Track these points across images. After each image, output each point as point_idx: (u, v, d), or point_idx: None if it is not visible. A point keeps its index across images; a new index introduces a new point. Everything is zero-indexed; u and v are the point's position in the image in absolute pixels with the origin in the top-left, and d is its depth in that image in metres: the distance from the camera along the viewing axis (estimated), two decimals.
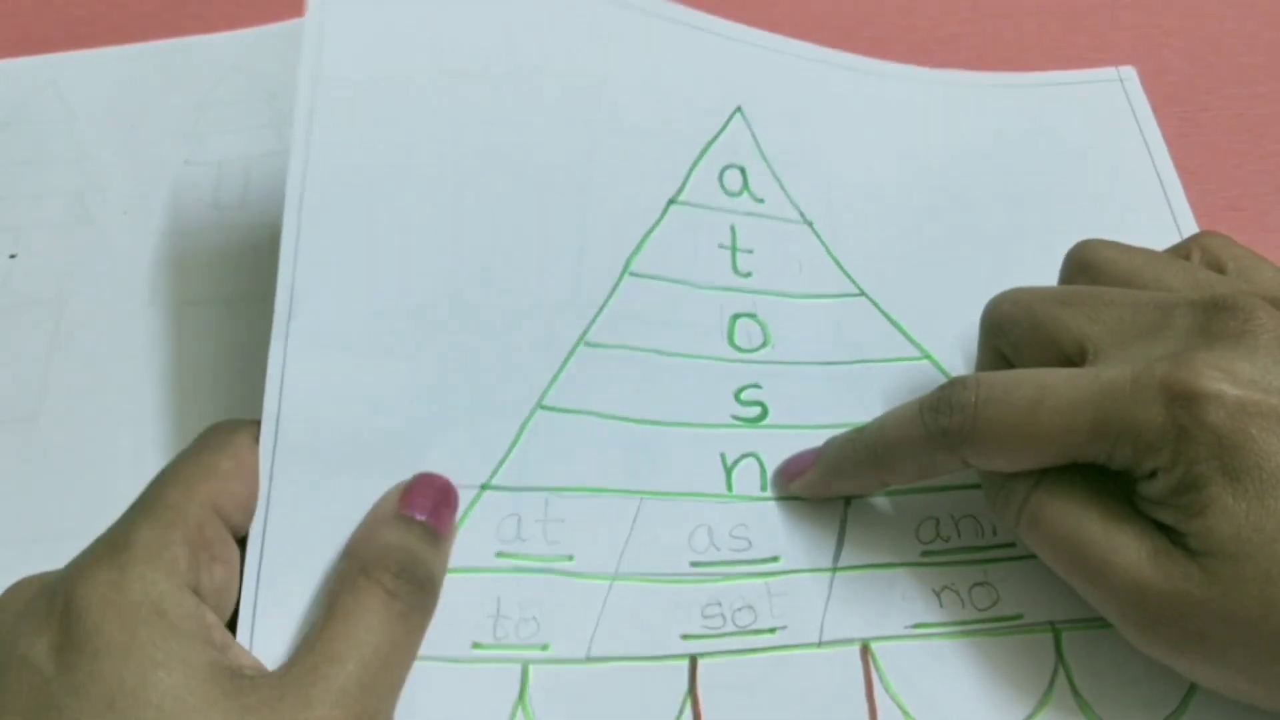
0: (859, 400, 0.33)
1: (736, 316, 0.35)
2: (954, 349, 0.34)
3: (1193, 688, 0.28)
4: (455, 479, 0.30)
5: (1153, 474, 0.25)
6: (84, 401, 0.35)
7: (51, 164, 0.40)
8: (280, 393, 0.29)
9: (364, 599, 0.26)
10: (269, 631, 0.27)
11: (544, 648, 0.29)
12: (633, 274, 0.34)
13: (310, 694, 0.24)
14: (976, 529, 0.31)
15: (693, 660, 0.29)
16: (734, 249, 0.35)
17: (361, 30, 0.30)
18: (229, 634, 0.26)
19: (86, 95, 0.41)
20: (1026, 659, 0.29)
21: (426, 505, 0.29)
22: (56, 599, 0.24)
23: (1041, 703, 0.28)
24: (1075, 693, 0.28)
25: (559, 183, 0.34)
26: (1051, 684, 0.29)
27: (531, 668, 0.29)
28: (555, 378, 0.32)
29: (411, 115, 0.31)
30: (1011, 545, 0.31)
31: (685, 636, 0.30)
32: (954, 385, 0.28)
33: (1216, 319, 0.26)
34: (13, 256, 0.37)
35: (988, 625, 0.30)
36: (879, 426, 0.30)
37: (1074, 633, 0.29)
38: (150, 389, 0.32)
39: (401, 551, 0.27)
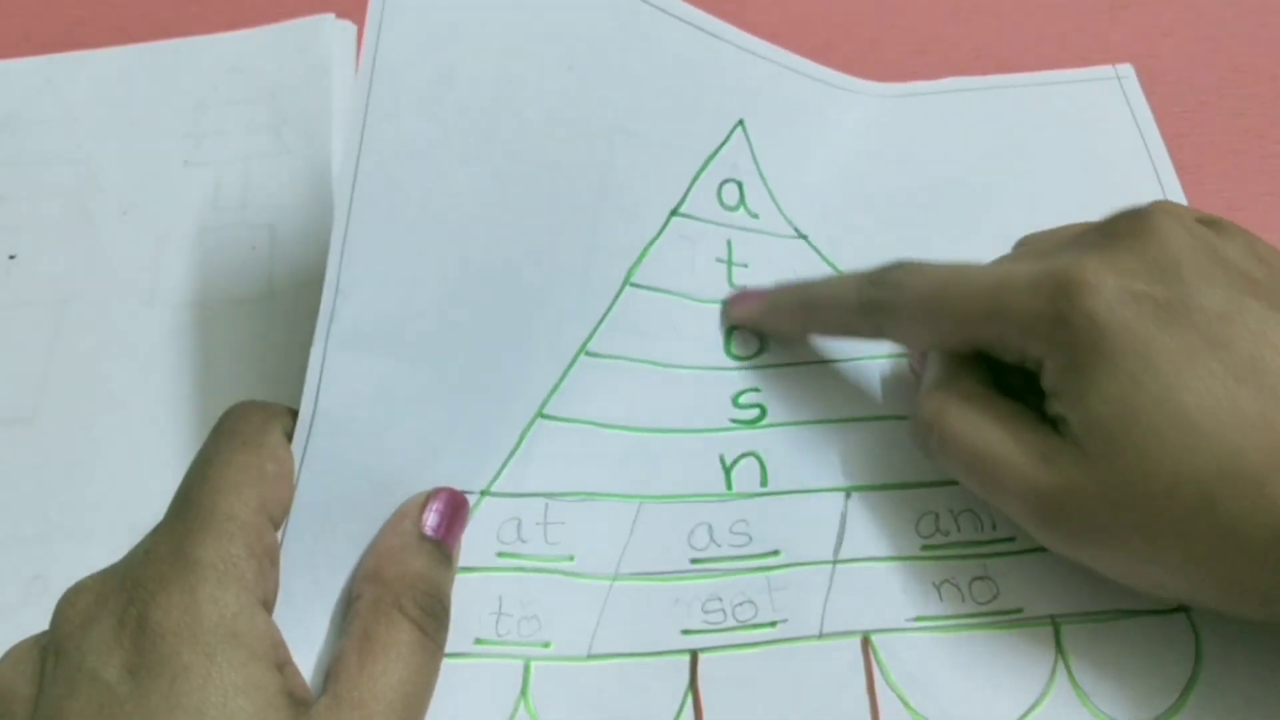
0: (854, 393, 0.34)
1: (734, 327, 0.35)
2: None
3: (1191, 682, 0.28)
4: (459, 485, 0.30)
5: (1040, 366, 0.27)
6: (84, 401, 0.35)
7: (51, 164, 0.40)
8: (316, 396, 0.27)
9: (399, 634, 0.26)
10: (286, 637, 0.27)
11: (545, 645, 0.29)
12: (633, 285, 0.34)
13: None
14: (976, 524, 0.31)
15: (693, 655, 0.29)
16: (730, 263, 0.36)
17: (416, 23, 0.29)
18: (288, 653, 0.26)
19: (86, 95, 0.41)
20: (1026, 652, 0.29)
21: (443, 525, 0.29)
22: (128, 617, 0.23)
23: (1042, 695, 0.28)
24: (1075, 685, 0.28)
25: (578, 187, 0.33)
26: (1052, 677, 0.29)
27: (534, 664, 0.29)
28: (556, 387, 0.33)
29: (455, 116, 0.29)
30: (1011, 539, 0.31)
31: (686, 632, 0.30)
32: (897, 264, 0.30)
33: (1118, 222, 0.27)
34: (12, 257, 0.37)
35: (988, 619, 0.30)
36: (823, 282, 0.34)
37: (1073, 626, 0.29)
38: (150, 389, 0.32)
39: (427, 582, 0.27)
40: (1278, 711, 0.27)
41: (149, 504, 0.30)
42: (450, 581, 0.28)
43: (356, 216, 0.28)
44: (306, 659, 0.27)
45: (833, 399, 0.34)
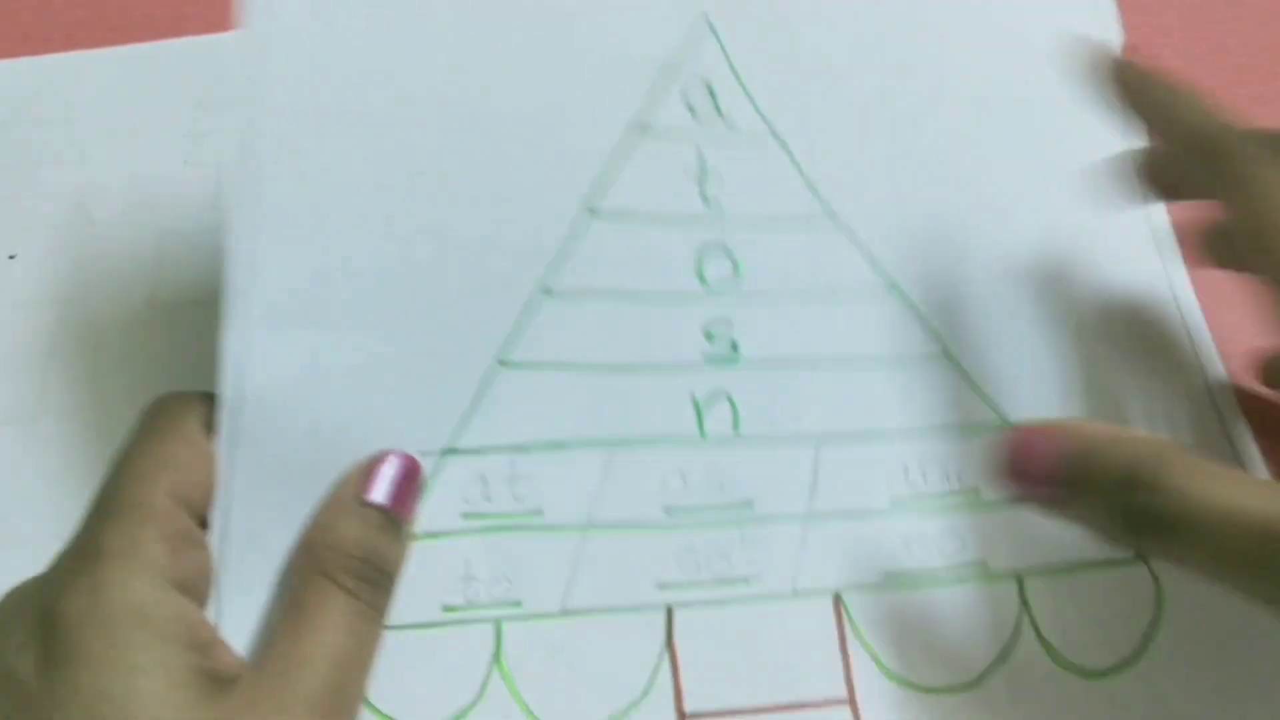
0: (830, 331, 0.33)
1: (705, 249, 0.33)
2: (924, 282, 0.33)
3: (1153, 628, 0.29)
4: (416, 447, 0.29)
5: None
6: (84, 401, 0.35)
7: (51, 164, 0.40)
8: (237, 377, 0.28)
9: (327, 600, 0.26)
10: (237, 619, 0.27)
11: (516, 604, 0.29)
12: (591, 212, 0.32)
13: (284, 700, 0.24)
14: (943, 474, 0.31)
15: (669, 610, 0.29)
16: (701, 176, 0.33)
17: None
18: (211, 629, 0.26)
19: (86, 95, 0.41)
20: (992, 605, 0.30)
21: (388, 489, 0.28)
22: (42, 614, 0.24)
23: (1007, 648, 0.29)
24: (1040, 637, 0.29)
25: (511, 115, 0.32)
26: (1017, 629, 0.29)
27: (505, 625, 0.29)
28: (514, 331, 0.31)
29: (356, 58, 0.28)
30: (975, 492, 0.31)
31: (661, 585, 0.30)
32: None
33: None
34: (12, 257, 0.37)
35: (955, 573, 0.30)
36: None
37: (1036, 579, 0.30)
38: (150, 389, 0.31)
39: (360, 547, 0.27)
40: (1236, 653, 0.29)
41: None
42: (396, 547, 0.28)
43: (260, 188, 0.28)
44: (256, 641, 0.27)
45: (806, 334, 0.33)
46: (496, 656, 0.28)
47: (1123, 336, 0.33)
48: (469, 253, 0.31)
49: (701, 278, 0.33)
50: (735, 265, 0.33)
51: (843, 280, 0.33)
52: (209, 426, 0.28)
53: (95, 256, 0.38)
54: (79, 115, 0.40)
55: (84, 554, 0.25)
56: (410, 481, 0.29)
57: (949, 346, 0.32)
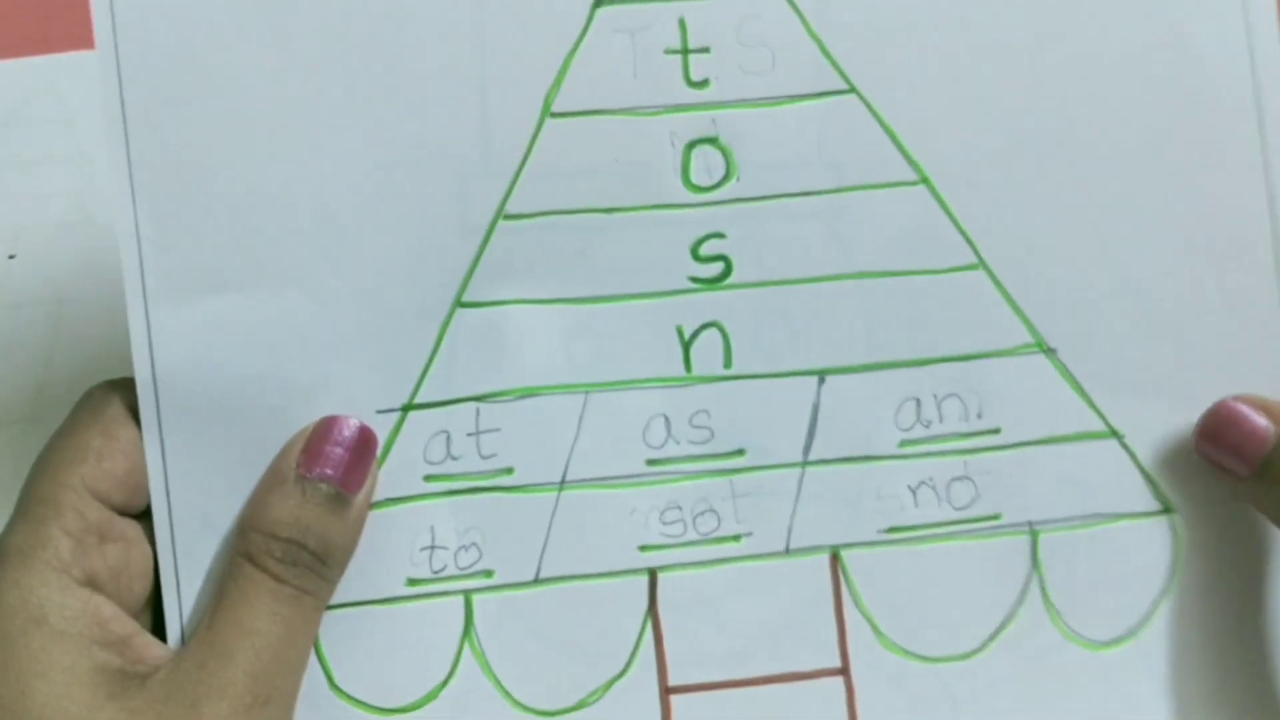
0: (840, 244, 0.28)
1: (693, 144, 0.28)
2: (957, 171, 0.28)
3: (1162, 597, 0.27)
4: (374, 405, 0.27)
5: None
6: None
7: (51, 164, 0.39)
8: (151, 355, 0.25)
9: (250, 586, 0.24)
10: (190, 601, 0.26)
11: (488, 574, 0.27)
12: (554, 114, 0.26)
13: (197, 693, 0.23)
14: (961, 411, 0.28)
15: (652, 574, 0.27)
16: (685, 50, 0.27)
17: None
18: (130, 623, 0.25)
19: (86, 95, 0.40)
20: (1001, 564, 0.27)
21: (330, 459, 0.25)
22: None
23: (1011, 615, 0.27)
24: (1047, 602, 0.27)
25: (441, 14, 0.26)
26: (1024, 594, 0.27)
27: (475, 598, 0.27)
28: (473, 266, 0.27)
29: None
30: (997, 432, 0.28)
31: (644, 548, 0.27)
32: None
33: None
34: (12, 257, 0.37)
35: (963, 527, 0.28)
36: None
37: (1052, 535, 0.28)
38: None
39: (291, 527, 0.25)
40: (1245, 622, 0.27)
41: None
42: (337, 524, 0.25)
43: (139, 149, 0.26)
44: None
45: (811, 248, 0.28)
46: (467, 632, 0.27)
47: (1199, 259, 0.28)
48: (412, 184, 0.26)
49: (688, 181, 0.28)
50: (729, 164, 0.28)
51: (861, 170, 0.28)
52: (131, 411, 0.26)
53: (95, 256, 0.38)
54: (79, 115, 0.40)
55: None
56: (360, 449, 0.26)
57: (984, 255, 0.28)
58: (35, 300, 0.37)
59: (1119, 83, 0.27)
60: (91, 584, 0.24)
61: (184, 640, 0.25)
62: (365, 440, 0.26)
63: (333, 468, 0.25)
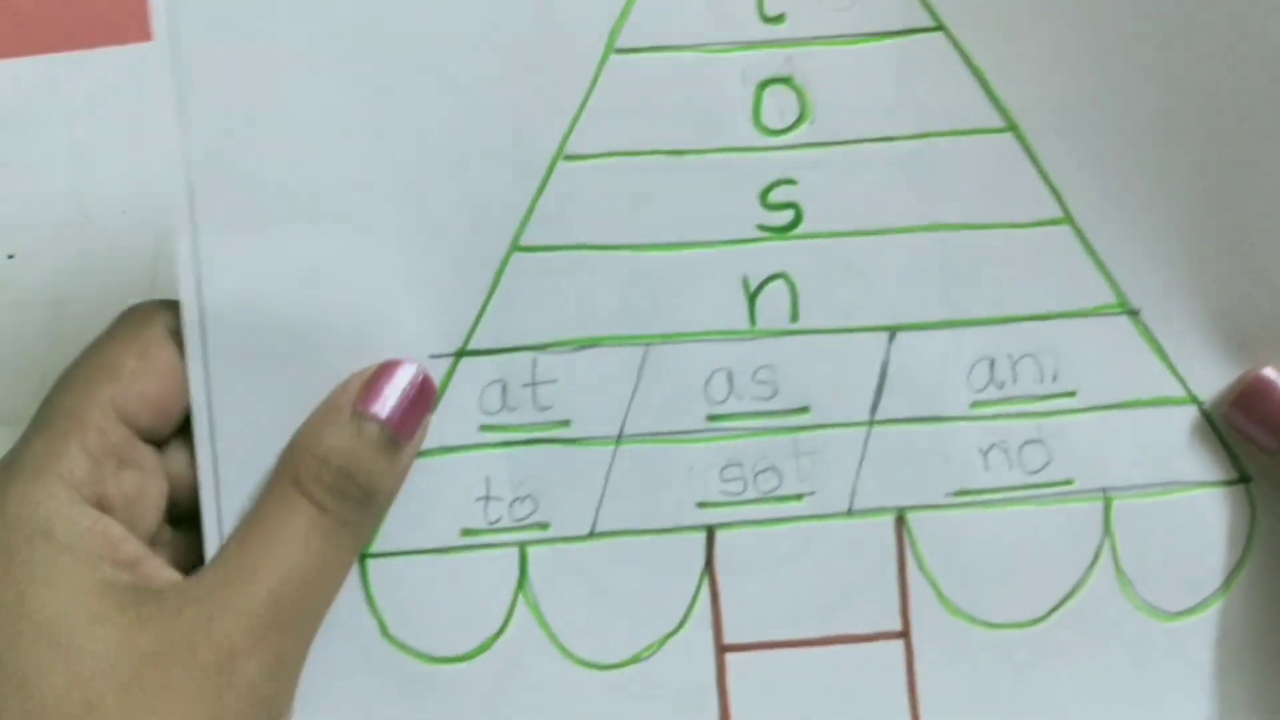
0: (917, 193, 0.27)
1: (765, 84, 0.26)
2: (1048, 119, 0.26)
3: (1236, 571, 0.26)
4: (427, 349, 0.26)
5: None
6: None
7: (51, 164, 0.40)
8: (198, 284, 0.25)
9: (289, 510, 0.24)
10: None
11: (543, 527, 0.26)
12: (619, 50, 0.25)
13: (213, 606, 0.23)
14: (1036, 372, 0.27)
15: (710, 532, 0.27)
16: None
17: None
18: (141, 547, 0.24)
19: (86, 95, 0.41)
20: (1071, 531, 0.27)
21: (390, 402, 0.24)
22: None
23: (1080, 582, 0.27)
24: (1118, 570, 0.27)
25: None
26: (1094, 561, 0.27)
27: (530, 550, 0.26)
28: (531, 208, 0.25)
29: None
30: (1073, 394, 0.27)
31: (702, 505, 0.27)
32: None
33: None
34: (12, 257, 0.38)
35: (1035, 491, 0.27)
36: None
37: (1126, 501, 0.27)
38: None
39: (343, 457, 0.24)
40: None
41: None
42: (389, 467, 0.25)
43: (190, 72, 0.25)
44: None
45: (888, 197, 0.27)
46: (521, 583, 0.26)
47: None
48: (466, 118, 0.25)
49: (759, 123, 0.26)
50: (803, 105, 0.26)
51: (943, 115, 0.26)
52: (175, 336, 0.25)
53: (95, 256, 0.38)
54: (79, 115, 0.40)
55: (4, 466, 0.23)
56: (419, 397, 0.25)
57: (1071, 209, 0.26)
58: (35, 300, 0.37)
59: (1230, 35, 0.25)
60: (102, 506, 0.23)
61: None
62: (425, 390, 0.25)
63: (389, 411, 0.24)
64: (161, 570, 0.24)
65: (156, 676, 0.22)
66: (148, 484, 0.25)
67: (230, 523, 0.25)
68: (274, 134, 0.25)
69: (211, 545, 0.25)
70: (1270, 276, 0.26)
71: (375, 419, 0.24)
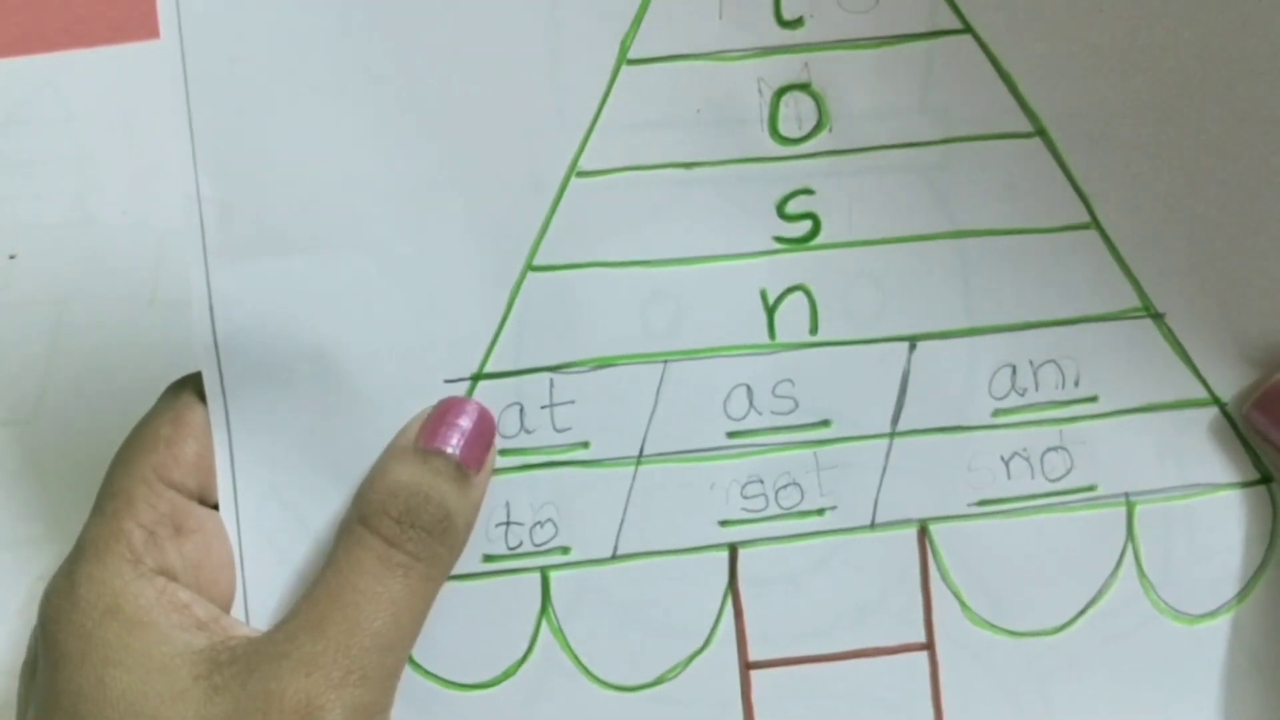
0: (940, 200, 0.26)
1: (783, 91, 0.25)
2: (1079, 124, 0.25)
3: (1259, 572, 0.27)
4: (442, 374, 0.25)
5: None
6: (84, 401, 0.35)
7: (51, 164, 0.39)
8: (211, 319, 0.24)
9: (357, 552, 0.23)
10: (265, 584, 0.25)
11: (564, 551, 0.26)
12: (631, 61, 0.24)
13: (282, 666, 0.22)
14: (1058, 378, 0.26)
15: (733, 550, 0.26)
16: None
17: None
18: (212, 608, 0.24)
19: (86, 95, 0.41)
20: (1094, 538, 0.27)
21: (452, 437, 0.24)
22: (37, 622, 0.24)
23: (1104, 588, 0.27)
24: (1141, 574, 0.27)
25: None
26: (1117, 567, 0.27)
27: (552, 574, 0.26)
28: (544, 227, 0.25)
29: None
30: (1094, 399, 0.27)
31: (724, 523, 0.26)
32: None
33: None
34: (12, 257, 0.37)
35: (1057, 499, 0.27)
36: None
37: (1149, 505, 0.27)
38: (150, 389, 0.28)
39: (411, 491, 0.24)
40: None
41: None
42: (460, 497, 0.24)
43: (200, 108, 0.24)
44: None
45: (910, 205, 0.26)
46: (544, 608, 0.26)
47: None
48: (477, 137, 0.24)
49: (776, 132, 0.26)
50: (821, 112, 0.26)
51: (969, 120, 0.26)
52: (201, 396, 0.25)
53: (95, 256, 0.37)
54: (79, 115, 0.40)
55: (69, 555, 0.24)
56: (481, 427, 0.25)
57: (1099, 215, 0.26)
58: (35, 300, 0.37)
59: (1261, 43, 0.24)
60: (166, 574, 0.23)
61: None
62: (486, 420, 0.25)
63: (454, 444, 0.24)
64: (236, 628, 0.24)
65: None
66: (214, 545, 0.24)
67: (257, 563, 0.25)
68: (284, 161, 0.24)
69: (241, 589, 0.25)
70: None
71: (440, 452, 0.24)
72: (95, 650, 0.22)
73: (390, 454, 0.24)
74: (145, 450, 0.24)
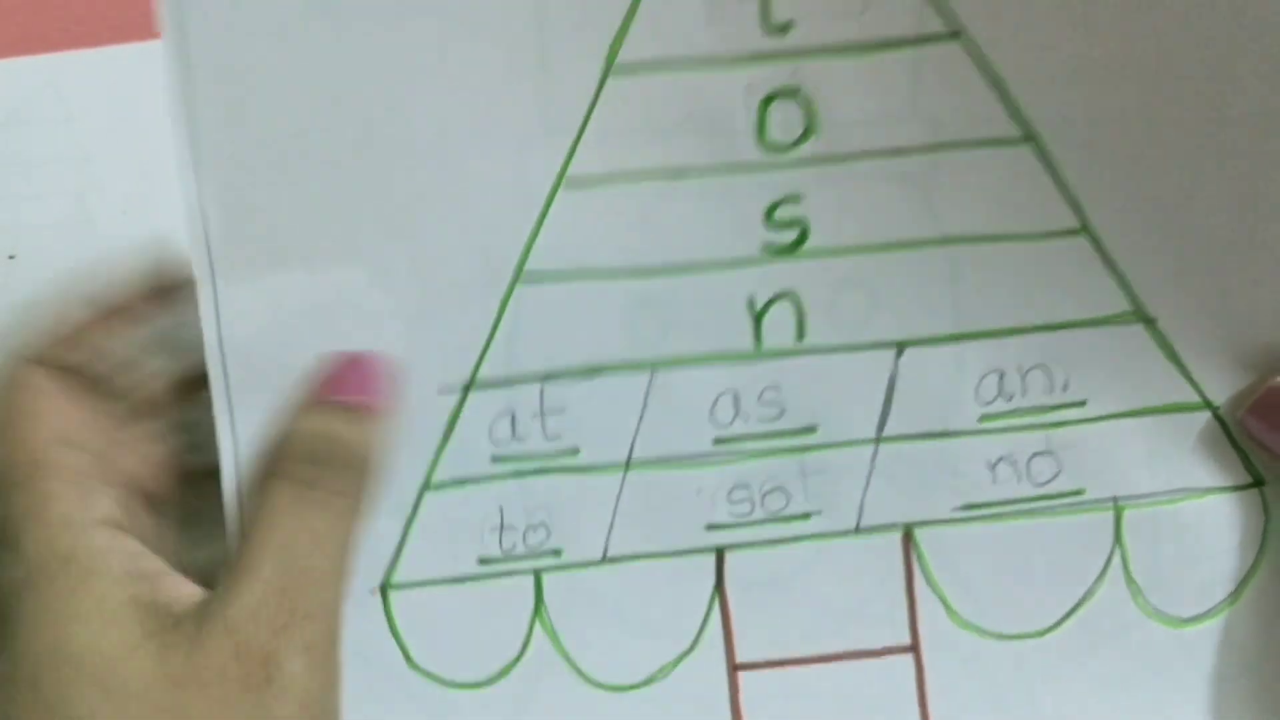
0: (929, 206, 0.26)
1: (771, 98, 0.25)
2: (1070, 129, 0.25)
3: (1249, 576, 0.27)
4: (435, 383, 0.26)
5: None
6: None
7: (51, 164, 0.39)
8: (218, 329, 0.25)
9: (274, 499, 0.24)
10: None
11: (556, 553, 0.27)
12: (618, 69, 0.24)
13: (229, 617, 0.23)
14: (1046, 383, 0.27)
15: (719, 553, 0.27)
16: None
17: None
18: (159, 561, 0.24)
19: (86, 95, 0.40)
20: (1081, 541, 0.27)
21: (351, 386, 0.25)
22: None
23: (1090, 591, 0.27)
24: (1129, 579, 0.27)
25: None
26: (1105, 569, 0.27)
27: (545, 576, 0.27)
28: (532, 237, 0.25)
29: None
30: (1083, 403, 0.27)
31: (711, 527, 0.27)
32: None
33: None
34: (12, 257, 0.37)
35: (1044, 503, 0.27)
36: None
37: (1137, 510, 0.27)
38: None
39: (316, 436, 0.24)
40: None
41: None
42: (365, 435, 0.25)
43: (200, 131, 0.24)
44: None
45: (900, 211, 0.26)
46: (537, 609, 0.27)
47: None
48: (466, 148, 0.25)
49: (764, 139, 0.26)
50: (810, 119, 0.26)
51: (959, 126, 0.25)
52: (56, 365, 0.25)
53: (95, 256, 0.35)
54: (79, 115, 0.40)
55: (12, 520, 0.24)
56: (368, 370, 0.25)
57: (1090, 220, 0.26)
58: (35, 300, 0.36)
59: (1252, 45, 0.24)
60: (111, 523, 0.24)
61: None
62: (382, 366, 0.25)
63: (354, 390, 0.25)
64: (180, 584, 0.24)
65: (200, 704, 0.22)
66: (130, 500, 0.25)
67: None
68: (280, 178, 0.24)
69: None
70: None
71: (335, 400, 0.25)
72: (52, 604, 0.22)
73: (292, 411, 0.25)
74: (31, 420, 0.24)
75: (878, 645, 0.27)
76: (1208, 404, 0.26)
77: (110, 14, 0.42)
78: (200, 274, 0.24)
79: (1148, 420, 0.27)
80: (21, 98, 0.40)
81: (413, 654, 0.26)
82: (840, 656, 0.27)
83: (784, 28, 0.25)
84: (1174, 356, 0.26)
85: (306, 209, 0.24)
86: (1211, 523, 0.27)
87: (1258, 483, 0.27)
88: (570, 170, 0.25)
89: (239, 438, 0.25)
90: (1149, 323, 0.26)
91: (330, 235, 0.25)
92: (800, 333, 0.26)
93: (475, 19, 0.24)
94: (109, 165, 0.39)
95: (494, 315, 0.25)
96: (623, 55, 0.24)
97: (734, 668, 0.27)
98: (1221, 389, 0.26)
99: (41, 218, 0.39)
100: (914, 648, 0.27)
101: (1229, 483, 0.27)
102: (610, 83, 0.24)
